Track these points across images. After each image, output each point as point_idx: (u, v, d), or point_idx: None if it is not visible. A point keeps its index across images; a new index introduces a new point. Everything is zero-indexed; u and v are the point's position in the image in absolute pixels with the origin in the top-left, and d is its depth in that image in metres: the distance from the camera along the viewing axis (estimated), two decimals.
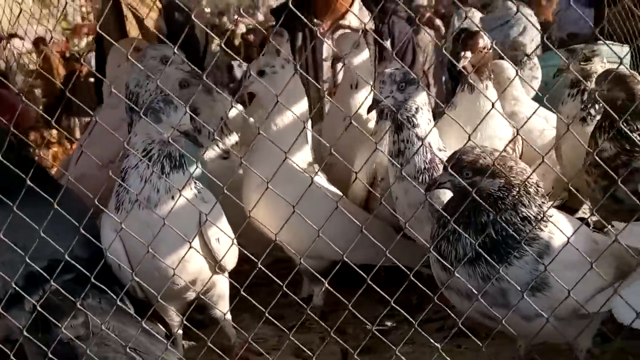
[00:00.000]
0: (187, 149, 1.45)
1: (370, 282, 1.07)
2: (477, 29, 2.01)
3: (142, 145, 1.40)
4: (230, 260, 1.55)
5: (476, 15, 4.89)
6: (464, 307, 1.23)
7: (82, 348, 1.22)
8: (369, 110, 1.53)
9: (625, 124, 1.68)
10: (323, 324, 1.35)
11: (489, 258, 1.16)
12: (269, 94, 1.65)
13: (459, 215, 1.18)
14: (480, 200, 1.14)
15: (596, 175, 1.74)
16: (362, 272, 1.09)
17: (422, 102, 1.51)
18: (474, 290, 1.16)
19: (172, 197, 1.40)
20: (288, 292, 1.10)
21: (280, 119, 1.70)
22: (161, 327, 1.56)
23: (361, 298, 1.16)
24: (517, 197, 1.21)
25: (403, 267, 1.17)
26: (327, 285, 1.12)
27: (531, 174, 1.20)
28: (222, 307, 1.61)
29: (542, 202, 1.26)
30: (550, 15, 5.24)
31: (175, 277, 1.34)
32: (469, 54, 1.91)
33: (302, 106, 1.76)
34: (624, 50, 2.92)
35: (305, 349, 1.37)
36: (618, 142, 1.67)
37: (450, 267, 1.22)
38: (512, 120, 2.74)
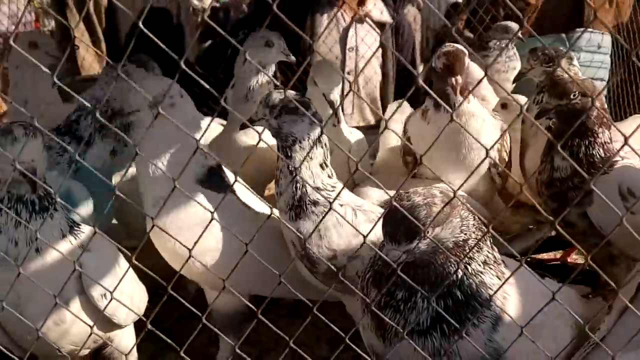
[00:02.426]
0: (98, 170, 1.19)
1: (317, 313, 0.84)
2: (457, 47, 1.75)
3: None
4: (129, 316, 1.30)
5: None
6: None
7: None
8: (241, 128, 1.37)
9: (591, 139, 1.50)
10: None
11: (452, 321, 0.94)
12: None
13: (419, 280, 0.97)
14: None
15: (546, 196, 1.60)
16: (307, 301, 0.89)
17: (302, 135, 1.30)
18: None
19: (38, 250, 1.14)
20: (210, 325, 0.85)
21: None
22: None
23: (302, 337, 0.95)
24: (475, 231, 1.01)
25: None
26: (260, 316, 0.85)
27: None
28: None
29: (492, 246, 1.07)
30: None
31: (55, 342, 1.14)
32: (459, 78, 1.65)
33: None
34: (604, 39, 2.71)
35: None
36: (576, 161, 1.50)
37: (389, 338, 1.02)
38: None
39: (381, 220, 0.92)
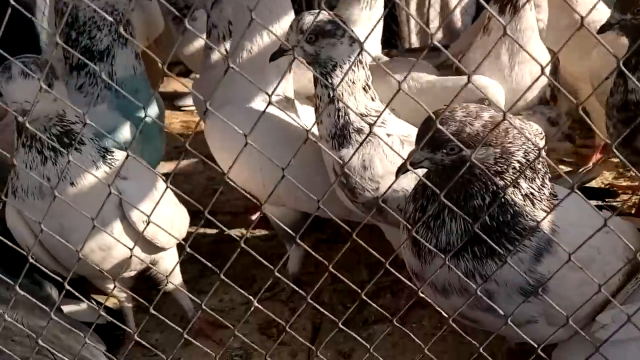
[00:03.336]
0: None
1: (356, 238, 0.83)
2: None
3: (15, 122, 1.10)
4: (171, 238, 1.32)
5: None
6: (439, 304, 1.01)
7: None
8: (271, 59, 1.24)
9: None
10: (295, 287, 1.02)
11: (486, 238, 0.86)
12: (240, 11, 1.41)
13: (445, 197, 0.92)
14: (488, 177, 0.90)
15: (616, 119, 1.46)
16: (346, 227, 0.85)
17: (343, 58, 1.20)
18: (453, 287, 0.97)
19: (72, 184, 1.15)
20: (250, 250, 0.86)
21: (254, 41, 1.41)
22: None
23: (342, 260, 0.92)
24: (519, 168, 0.95)
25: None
26: (298, 240, 0.84)
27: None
28: (172, 280, 1.43)
29: (545, 175, 1.00)
30: None
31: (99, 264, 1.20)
32: None
33: (284, 23, 1.41)
34: None
35: (275, 318, 1.13)
36: None
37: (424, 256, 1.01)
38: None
39: None
